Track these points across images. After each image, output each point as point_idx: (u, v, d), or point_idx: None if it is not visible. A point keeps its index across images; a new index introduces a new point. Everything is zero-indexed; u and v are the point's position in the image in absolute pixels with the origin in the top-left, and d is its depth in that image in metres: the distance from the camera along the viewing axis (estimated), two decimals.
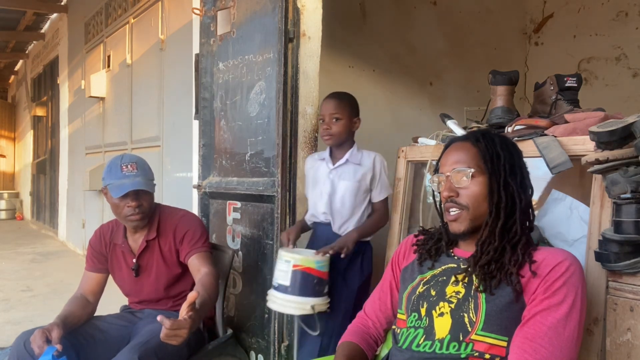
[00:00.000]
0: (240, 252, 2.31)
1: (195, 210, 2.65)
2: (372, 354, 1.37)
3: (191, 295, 1.41)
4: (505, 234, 1.16)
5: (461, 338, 1.11)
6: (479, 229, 1.19)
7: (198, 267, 1.81)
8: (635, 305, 1.25)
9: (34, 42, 8.92)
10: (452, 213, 1.20)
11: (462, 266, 1.21)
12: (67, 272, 4.94)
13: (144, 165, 1.87)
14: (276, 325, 2.08)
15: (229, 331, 2.05)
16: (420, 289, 1.24)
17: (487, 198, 1.17)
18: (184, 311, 1.40)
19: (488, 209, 1.17)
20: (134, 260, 1.91)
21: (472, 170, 1.18)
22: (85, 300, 1.90)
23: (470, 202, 1.18)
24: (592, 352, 1.32)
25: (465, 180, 1.19)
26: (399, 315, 1.29)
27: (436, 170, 1.28)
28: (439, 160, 1.28)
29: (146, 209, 1.84)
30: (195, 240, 1.87)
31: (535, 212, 1.60)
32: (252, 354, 2.21)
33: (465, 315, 1.13)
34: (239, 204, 2.34)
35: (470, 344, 1.10)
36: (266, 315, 2.15)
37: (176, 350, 1.73)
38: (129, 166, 1.81)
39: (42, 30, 8.27)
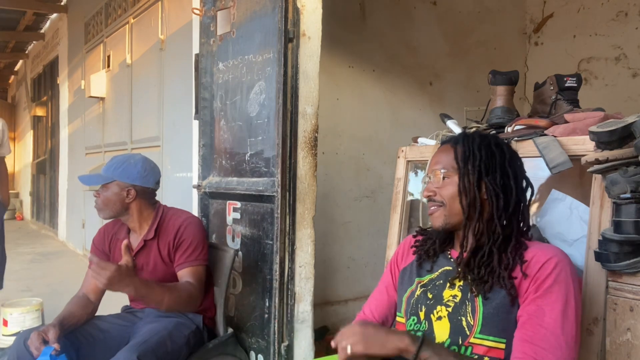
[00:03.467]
0: (240, 252, 2.31)
1: (195, 210, 2.65)
2: None
3: (123, 243, 1.59)
4: (490, 235, 1.17)
5: (460, 342, 1.12)
6: (459, 226, 1.21)
7: (182, 278, 1.84)
8: (635, 305, 1.25)
9: (34, 42, 8.92)
10: (431, 208, 1.25)
11: (458, 269, 1.21)
12: (67, 272, 4.94)
13: (116, 163, 1.90)
14: (276, 325, 2.08)
15: (230, 330, 2.05)
16: (418, 292, 1.24)
17: (459, 197, 1.19)
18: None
19: (461, 208, 1.19)
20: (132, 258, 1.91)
21: (445, 170, 1.22)
22: (87, 299, 1.90)
23: (445, 200, 1.21)
24: (592, 352, 1.32)
25: (440, 180, 1.22)
26: (398, 319, 1.29)
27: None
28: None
29: (99, 202, 1.88)
30: (189, 252, 1.86)
31: (533, 212, 1.61)
32: (252, 354, 2.21)
33: (463, 318, 1.13)
34: (239, 204, 2.34)
35: (470, 348, 1.11)
36: (266, 315, 2.15)
37: (175, 350, 1.74)
38: (107, 161, 1.93)
39: (42, 30, 8.27)
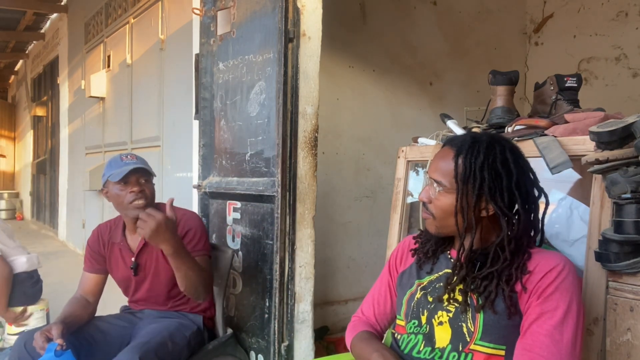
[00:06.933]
0: (240, 252, 2.31)
1: (195, 210, 2.65)
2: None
3: (169, 200, 1.65)
4: (496, 257, 1.12)
5: (461, 348, 1.12)
6: (453, 234, 1.19)
7: None
8: (635, 305, 1.25)
9: (34, 42, 8.92)
10: (424, 214, 1.23)
11: (455, 272, 1.19)
12: (67, 272, 4.94)
13: (142, 158, 1.90)
14: (276, 325, 2.08)
15: (229, 331, 2.05)
16: (418, 295, 1.23)
17: (453, 215, 1.14)
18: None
19: (456, 226, 1.14)
20: (133, 259, 1.90)
21: (441, 188, 1.16)
22: (85, 300, 1.90)
23: (436, 213, 1.18)
24: (592, 352, 1.32)
25: (435, 192, 1.18)
26: (398, 321, 1.29)
27: None
28: None
29: (149, 196, 1.83)
30: (195, 242, 1.84)
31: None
32: (252, 354, 2.21)
33: (464, 324, 1.13)
34: (239, 204, 2.34)
35: (470, 354, 1.11)
36: (266, 315, 2.15)
37: (177, 350, 1.74)
38: (128, 156, 1.86)
39: (42, 30, 8.26)
